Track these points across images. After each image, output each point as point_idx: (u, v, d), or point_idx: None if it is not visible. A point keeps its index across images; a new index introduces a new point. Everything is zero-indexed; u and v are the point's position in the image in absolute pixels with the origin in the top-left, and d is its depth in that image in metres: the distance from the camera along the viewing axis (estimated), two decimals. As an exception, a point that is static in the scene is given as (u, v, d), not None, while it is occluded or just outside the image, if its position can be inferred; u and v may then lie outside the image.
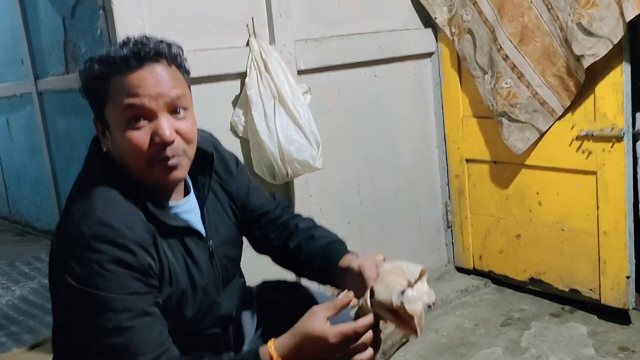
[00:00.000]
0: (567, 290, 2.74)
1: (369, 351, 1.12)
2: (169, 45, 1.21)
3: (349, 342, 1.11)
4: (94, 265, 1.08)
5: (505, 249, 2.96)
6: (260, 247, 1.55)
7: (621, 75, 2.40)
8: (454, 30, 2.88)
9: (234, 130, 2.43)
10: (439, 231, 3.20)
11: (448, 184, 3.14)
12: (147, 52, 1.15)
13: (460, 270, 3.18)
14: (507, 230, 2.93)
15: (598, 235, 2.58)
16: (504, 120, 2.71)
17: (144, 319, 1.11)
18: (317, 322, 1.11)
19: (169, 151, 1.15)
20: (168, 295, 1.21)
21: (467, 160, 3.03)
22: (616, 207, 2.50)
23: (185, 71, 1.24)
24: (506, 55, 2.63)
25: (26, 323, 3.06)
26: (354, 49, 2.75)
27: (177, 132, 1.17)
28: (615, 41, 2.32)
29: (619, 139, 2.44)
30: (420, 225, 3.11)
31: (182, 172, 1.21)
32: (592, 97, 2.51)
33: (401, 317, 1.14)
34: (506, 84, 2.67)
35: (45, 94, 4.29)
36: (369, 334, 1.12)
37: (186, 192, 1.31)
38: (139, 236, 1.13)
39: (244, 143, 2.44)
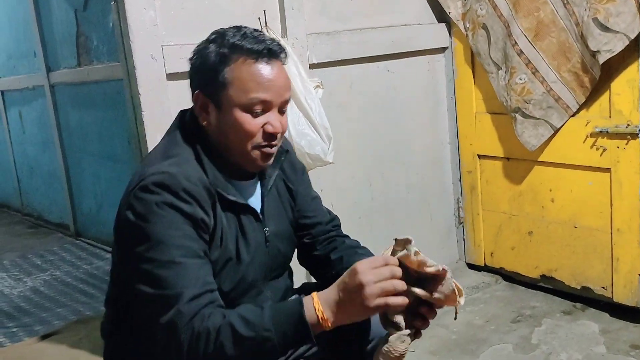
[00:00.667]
0: (579, 287, 2.72)
1: (397, 281, 1.12)
2: (282, 48, 1.33)
3: (380, 274, 1.12)
4: (153, 205, 1.20)
5: (517, 246, 2.94)
6: (303, 256, 1.58)
7: (637, 71, 2.38)
8: (468, 25, 2.86)
9: (245, 124, 2.42)
10: (450, 227, 3.18)
11: (460, 180, 3.12)
12: (275, 50, 1.29)
13: (472, 266, 3.16)
14: (519, 227, 2.91)
15: (611, 232, 2.56)
16: (518, 116, 2.69)
17: (195, 260, 1.20)
18: (351, 271, 1.14)
19: (274, 141, 1.31)
20: (215, 259, 1.28)
21: (480, 157, 3.01)
22: (630, 205, 2.48)
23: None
24: (521, 50, 2.61)
25: (37, 314, 3.08)
26: (366, 43, 2.74)
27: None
28: (632, 37, 2.29)
29: (635, 135, 2.41)
30: (431, 222, 3.10)
31: (272, 160, 1.36)
32: (607, 93, 2.49)
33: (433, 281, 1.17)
34: (520, 79, 2.65)
35: (57, 87, 4.31)
36: (398, 269, 1.13)
37: (252, 177, 1.41)
38: (197, 192, 1.23)
39: (256, 137, 2.43)
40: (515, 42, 2.62)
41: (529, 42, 2.58)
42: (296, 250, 1.57)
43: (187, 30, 2.19)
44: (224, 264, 1.30)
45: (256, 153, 1.31)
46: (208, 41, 1.31)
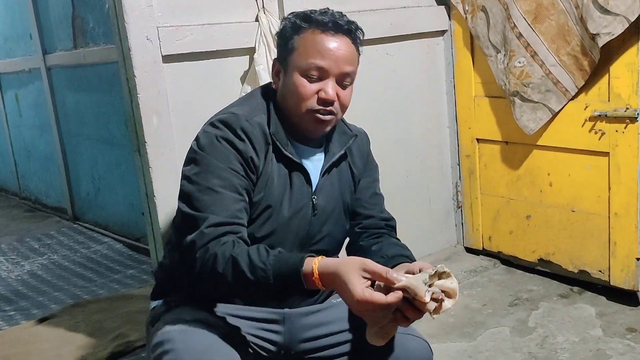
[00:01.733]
0: (576, 271, 2.73)
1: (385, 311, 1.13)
2: (357, 27, 1.43)
3: (371, 310, 1.12)
4: (212, 137, 1.34)
5: (515, 230, 2.94)
6: (349, 243, 1.59)
7: (637, 54, 2.36)
8: (467, 8, 2.84)
9: (243, 107, 2.41)
10: (448, 211, 3.18)
11: (459, 164, 3.11)
12: (342, 24, 1.39)
13: (470, 250, 3.17)
14: (517, 211, 2.91)
15: (609, 216, 2.56)
16: (517, 100, 2.68)
17: (232, 193, 1.31)
18: (358, 286, 1.13)
19: (327, 107, 1.37)
20: (257, 200, 1.37)
21: (478, 140, 3.00)
22: (628, 189, 2.48)
23: (359, 52, 1.44)
24: (520, 33, 2.59)
25: (35, 298, 3.08)
26: (365, 26, 2.64)
27: (337, 96, 1.38)
28: (632, 19, 2.27)
29: (633, 119, 2.40)
30: (430, 206, 3.09)
31: (327, 128, 1.42)
32: (606, 77, 2.47)
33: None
34: (519, 63, 2.63)
35: (53, 70, 4.28)
36: (389, 311, 1.13)
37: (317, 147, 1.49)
38: (253, 132, 1.35)
39: (253, 120, 2.42)
40: (515, 25, 2.59)
41: (528, 24, 2.56)
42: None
43: (183, 12, 2.17)
44: (265, 209, 1.38)
45: (310, 117, 1.38)
46: (296, 15, 1.42)
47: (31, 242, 4.06)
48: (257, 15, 2.34)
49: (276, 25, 2.32)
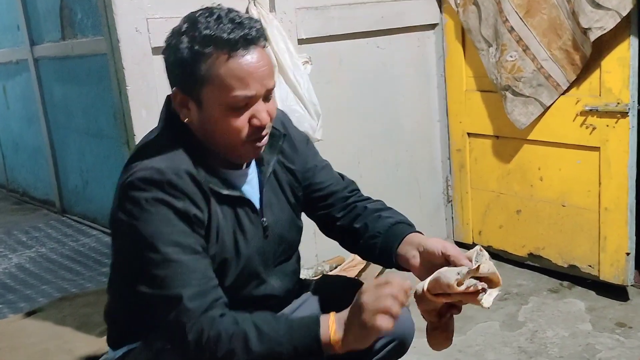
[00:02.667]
0: (566, 266, 2.73)
1: (397, 306, 1.10)
2: (260, 24, 1.22)
3: (378, 294, 1.10)
4: (143, 202, 1.15)
5: (505, 225, 2.94)
6: (327, 229, 1.52)
7: (628, 49, 2.36)
8: (459, 1, 2.82)
9: (233, 100, 2.38)
10: (438, 206, 3.17)
11: (449, 158, 3.11)
12: (253, 36, 1.18)
13: (460, 245, 3.14)
14: (508, 205, 2.91)
15: (599, 211, 2.56)
16: (508, 94, 2.67)
17: (192, 256, 1.16)
18: (359, 291, 1.13)
19: (264, 133, 1.24)
20: (212, 255, 1.24)
21: (469, 135, 2.99)
22: (618, 184, 2.48)
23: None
24: (512, 27, 2.58)
25: (22, 291, 3.05)
26: (356, 19, 2.70)
27: (267, 113, 1.24)
28: (624, 14, 2.27)
29: (624, 114, 2.40)
30: (420, 200, 3.09)
31: (264, 147, 1.29)
32: (597, 71, 2.47)
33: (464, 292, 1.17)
34: (511, 57, 2.62)
35: (41, 61, 4.23)
36: (401, 286, 1.11)
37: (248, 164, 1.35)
38: (187, 187, 1.18)
39: (243, 113, 2.40)
40: (506, 19, 2.58)
41: (520, 18, 2.55)
42: (320, 224, 1.52)
43: (172, 3, 2.14)
44: (223, 261, 1.26)
45: (247, 148, 1.24)
46: (180, 32, 1.19)
47: (19, 234, 4.02)
48: (247, 7, 2.31)
49: (267, 18, 2.29)
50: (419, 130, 3.04)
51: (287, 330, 1.13)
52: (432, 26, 2.99)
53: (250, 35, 1.17)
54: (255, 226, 1.32)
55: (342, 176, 1.53)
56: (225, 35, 1.15)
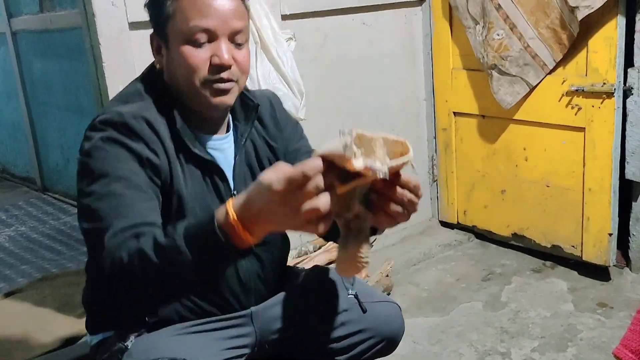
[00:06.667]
0: (549, 246, 2.74)
1: (323, 198, 0.86)
2: None
3: (297, 189, 0.85)
4: (98, 141, 1.13)
5: (490, 204, 2.93)
6: None
7: (615, 28, 2.33)
8: (445, -23, 2.78)
9: (214, 77, 2.33)
10: (424, 185, 3.13)
11: (435, 138, 3.08)
12: None
13: (444, 224, 3.16)
14: (492, 185, 2.90)
15: (583, 192, 2.56)
16: (494, 73, 2.64)
17: (138, 193, 1.11)
18: (270, 171, 0.89)
19: (224, 74, 1.19)
20: (167, 208, 1.19)
21: (455, 114, 2.96)
22: (602, 165, 2.47)
23: (246, 7, 1.26)
24: (499, 4, 2.54)
25: (1, 271, 3.00)
26: (341, -6, 2.64)
27: (234, 59, 1.20)
28: (612, -8, 2.24)
29: (610, 95, 2.39)
30: (404, 179, 3.06)
31: (230, 98, 1.23)
32: (584, 51, 2.44)
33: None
34: (498, 35, 2.59)
35: (19, 34, 4.12)
36: (320, 178, 0.86)
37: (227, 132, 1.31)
38: (144, 132, 1.15)
39: (225, 91, 2.35)
40: (494, -4, 2.54)
41: (508, -4, 2.51)
42: None
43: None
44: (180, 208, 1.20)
45: (207, 90, 1.19)
46: None
47: (-2, 213, 3.96)
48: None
49: (249, -7, 2.23)
50: (404, 109, 3.01)
51: (185, 232, 0.95)
52: (419, 2, 2.94)
53: None
54: (225, 196, 1.26)
55: None
56: None
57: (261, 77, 2.23)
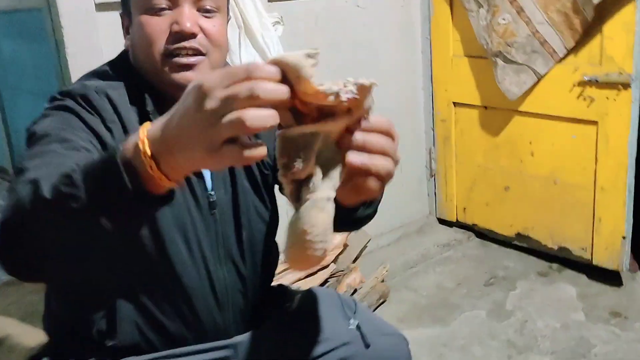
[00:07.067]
0: (556, 248, 2.56)
1: (258, 112, 0.62)
2: None
3: (231, 74, 0.63)
4: (52, 110, 1.00)
5: (492, 202, 2.75)
6: None
7: (634, 12, 2.14)
8: (447, -44, 2.56)
9: (193, 65, 2.12)
10: (421, 180, 2.96)
11: (433, 129, 2.88)
12: None
13: (443, 222, 2.97)
14: (495, 181, 2.71)
15: (594, 190, 2.38)
16: (499, 61, 2.44)
17: (81, 153, 0.92)
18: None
19: (186, 43, 1.02)
20: None
21: (455, 104, 2.77)
22: (617, 161, 2.29)
23: None
24: (506, -14, 2.33)
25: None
26: (333, -26, 2.42)
27: (201, 28, 1.04)
28: (633, -27, 2.04)
29: (626, 85, 2.19)
30: (401, 173, 2.85)
31: (197, 75, 1.02)
32: (598, 37, 2.25)
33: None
34: (503, 19, 2.39)
35: (-13, 15, 3.86)
36: (266, 86, 0.62)
37: None
38: (104, 108, 1.01)
39: (205, 80, 2.14)
40: (501, -23, 2.33)
41: (516, -24, 2.30)
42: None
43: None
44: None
45: (166, 65, 1.02)
46: None
47: (-33, 206, 3.73)
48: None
49: (231, -30, 2.01)
50: (401, 99, 2.81)
51: (85, 164, 0.73)
52: (417, -17, 2.73)
53: None
54: (200, 197, 1.07)
55: None
56: None
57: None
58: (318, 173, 0.73)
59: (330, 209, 0.73)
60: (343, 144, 0.75)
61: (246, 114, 0.61)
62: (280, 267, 1.37)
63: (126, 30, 1.10)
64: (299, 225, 0.71)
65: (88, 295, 1.06)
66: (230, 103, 0.61)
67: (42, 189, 0.72)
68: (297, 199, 0.72)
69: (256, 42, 2.05)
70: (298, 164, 0.71)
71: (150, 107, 1.04)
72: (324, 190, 0.73)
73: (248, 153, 0.64)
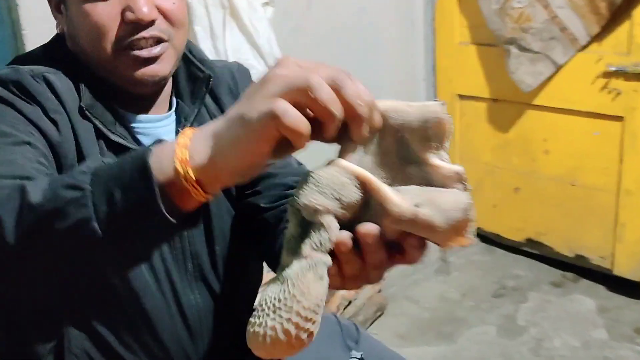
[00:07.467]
0: (572, 255, 2.36)
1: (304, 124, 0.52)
2: None
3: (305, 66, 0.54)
4: None
5: (500, 204, 2.54)
6: (250, 230, 0.99)
7: (668, -4, 1.92)
8: None
9: (170, 50, 1.90)
10: (421, 179, 2.75)
11: (435, 124, 2.67)
12: None
13: (446, 226, 2.76)
14: (504, 181, 2.52)
15: (618, 193, 2.19)
16: (512, 49, 2.25)
17: (25, 147, 0.79)
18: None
19: (146, 33, 0.86)
20: None
21: (461, 97, 2.58)
22: (644, 162, 2.09)
23: None
24: (522, -36, 2.12)
25: None
26: (329, -50, 2.19)
27: (158, 9, 0.87)
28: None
29: (657, 77, 1.99)
30: (400, 172, 2.66)
31: (162, 67, 0.88)
32: (627, 23, 2.09)
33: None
34: (519, 2, 2.23)
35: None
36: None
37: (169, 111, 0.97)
38: (45, 95, 0.84)
39: (184, 67, 1.92)
40: (516, -46, 2.12)
41: (534, -46, 2.09)
42: (244, 220, 1.00)
43: None
44: None
45: (122, 60, 0.85)
46: None
47: None
48: None
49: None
50: (400, 90, 2.59)
51: (96, 167, 0.62)
52: (421, -37, 2.50)
53: None
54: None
55: (298, 162, 1.03)
56: None
57: (230, 51, 1.84)
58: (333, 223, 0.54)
59: (327, 280, 0.55)
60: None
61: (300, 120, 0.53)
62: (264, 281, 1.16)
63: (55, 8, 0.91)
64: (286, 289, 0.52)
65: (32, 322, 0.88)
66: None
67: (30, 194, 0.61)
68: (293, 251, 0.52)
69: (242, 25, 1.85)
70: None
71: (88, 100, 0.87)
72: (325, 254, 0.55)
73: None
